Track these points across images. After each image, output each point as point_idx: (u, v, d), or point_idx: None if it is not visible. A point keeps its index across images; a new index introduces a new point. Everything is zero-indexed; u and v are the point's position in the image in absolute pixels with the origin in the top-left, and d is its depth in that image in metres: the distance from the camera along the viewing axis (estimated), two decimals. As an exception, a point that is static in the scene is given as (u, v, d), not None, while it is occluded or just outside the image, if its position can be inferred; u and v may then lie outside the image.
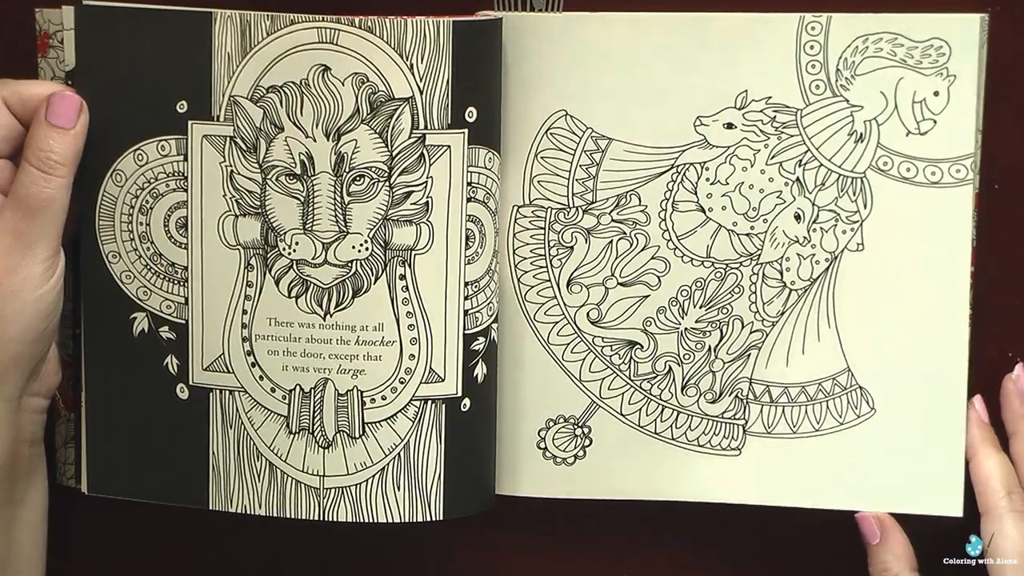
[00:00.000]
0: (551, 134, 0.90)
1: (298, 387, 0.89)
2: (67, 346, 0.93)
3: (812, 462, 0.91)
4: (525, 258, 0.91)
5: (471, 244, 0.88)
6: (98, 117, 0.88)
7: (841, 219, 0.89)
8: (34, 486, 0.91)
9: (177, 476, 0.91)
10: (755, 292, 0.90)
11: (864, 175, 0.89)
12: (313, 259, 0.87)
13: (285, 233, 0.87)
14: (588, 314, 0.91)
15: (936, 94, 0.87)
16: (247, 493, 0.90)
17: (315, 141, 0.86)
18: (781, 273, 0.90)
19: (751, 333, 0.91)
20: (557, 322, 0.92)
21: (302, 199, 0.87)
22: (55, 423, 0.95)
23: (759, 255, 0.90)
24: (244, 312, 0.89)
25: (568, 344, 0.92)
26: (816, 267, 0.90)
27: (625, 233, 0.90)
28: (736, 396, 0.91)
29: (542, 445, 0.93)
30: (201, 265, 0.89)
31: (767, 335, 0.91)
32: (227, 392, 0.90)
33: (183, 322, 0.90)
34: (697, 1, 0.89)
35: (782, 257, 0.90)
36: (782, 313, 0.90)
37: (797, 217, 0.89)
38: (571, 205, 0.91)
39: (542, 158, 0.91)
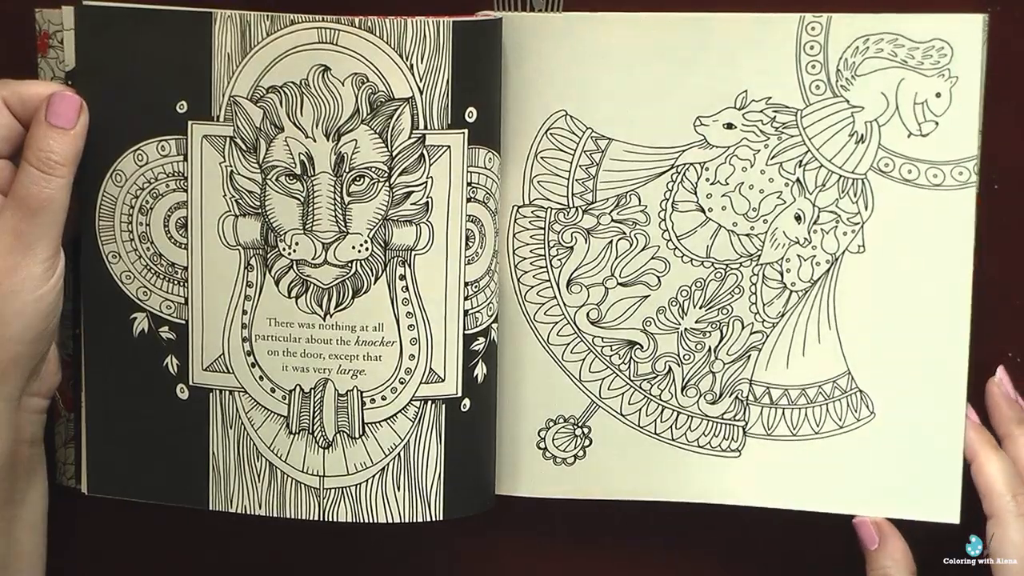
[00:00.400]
0: (551, 134, 0.90)
1: (298, 387, 0.89)
2: (67, 346, 0.92)
3: (811, 465, 0.90)
4: (525, 258, 0.91)
5: (471, 244, 0.88)
6: (98, 117, 0.88)
7: (842, 221, 0.89)
8: (34, 486, 0.91)
9: (177, 476, 0.91)
10: (755, 293, 0.90)
11: (865, 177, 0.88)
12: (313, 259, 0.87)
13: (285, 233, 0.87)
14: (588, 314, 0.91)
15: (938, 95, 0.87)
16: (247, 493, 0.90)
17: (315, 141, 0.86)
18: (781, 274, 0.90)
19: (751, 334, 0.90)
20: (557, 322, 0.92)
21: (302, 199, 0.87)
22: (55, 423, 0.95)
23: (759, 256, 0.90)
24: (244, 312, 0.89)
25: (568, 344, 0.92)
26: (817, 269, 0.89)
27: (625, 233, 0.90)
28: (736, 397, 0.91)
29: (542, 445, 0.93)
30: (201, 265, 0.89)
31: (767, 336, 0.90)
32: (227, 392, 0.90)
33: (183, 322, 0.90)
34: (697, 1, 0.89)
35: (782, 258, 0.90)
36: (782, 315, 0.90)
37: (797, 218, 0.89)
38: (571, 205, 0.91)
39: (542, 158, 0.91)
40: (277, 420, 0.89)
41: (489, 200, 0.89)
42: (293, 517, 0.90)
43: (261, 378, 0.89)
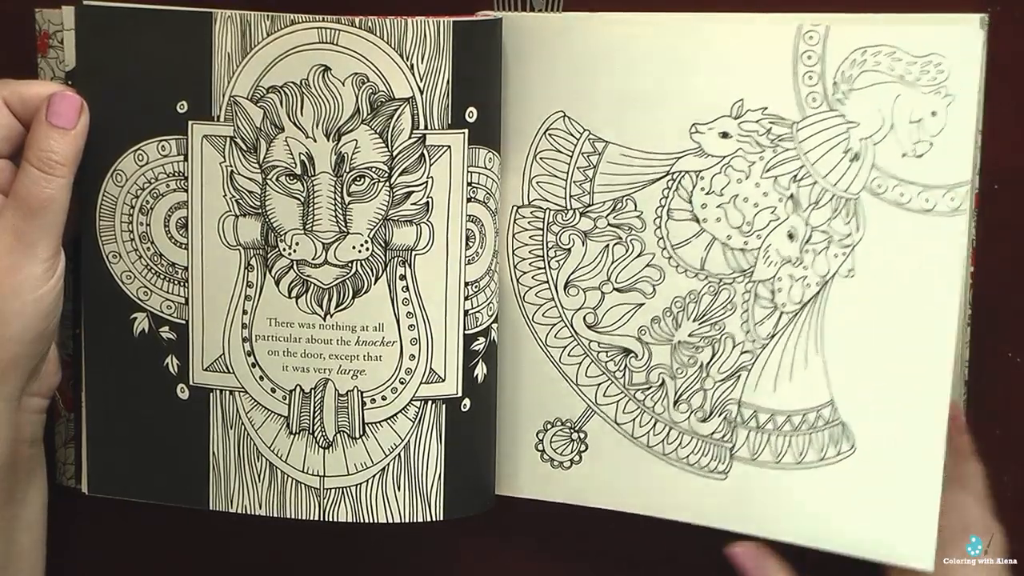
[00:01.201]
0: (549, 135, 0.90)
1: (298, 387, 0.89)
2: (67, 346, 0.93)
3: (792, 496, 0.87)
4: (524, 259, 0.91)
5: (471, 244, 0.88)
6: (98, 117, 0.88)
7: (833, 242, 0.86)
8: (34, 486, 0.91)
9: (177, 476, 0.91)
10: (747, 311, 0.88)
11: (858, 197, 0.85)
12: (313, 259, 0.87)
13: (285, 233, 0.88)
14: (584, 318, 0.91)
15: (933, 114, 0.83)
16: (247, 493, 0.90)
17: (315, 141, 0.86)
18: (773, 294, 0.87)
19: (742, 353, 0.88)
20: (555, 324, 0.91)
21: (302, 199, 0.87)
22: (55, 423, 0.95)
23: (752, 272, 0.87)
24: (244, 312, 0.89)
25: (565, 347, 0.91)
26: (807, 291, 0.86)
27: (621, 238, 0.89)
28: (725, 417, 0.89)
29: (540, 447, 0.92)
30: (201, 265, 0.89)
31: (757, 357, 0.88)
32: (227, 392, 0.90)
33: (183, 322, 0.90)
34: (700, 1, 0.89)
35: (774, 277, 0.87)
36: (772, 336, 0.87)
37: (790, 236, 0.86)
38: (568, 207, 0.90)
39: (541, 159, 0.90)
40: (277, 420, 0.89)
41: (489, 200, 0.89)
42: (293, 517, 0.90)
43: (261, 378, 0.89)
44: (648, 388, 0.90)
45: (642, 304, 0.89)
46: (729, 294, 0.88)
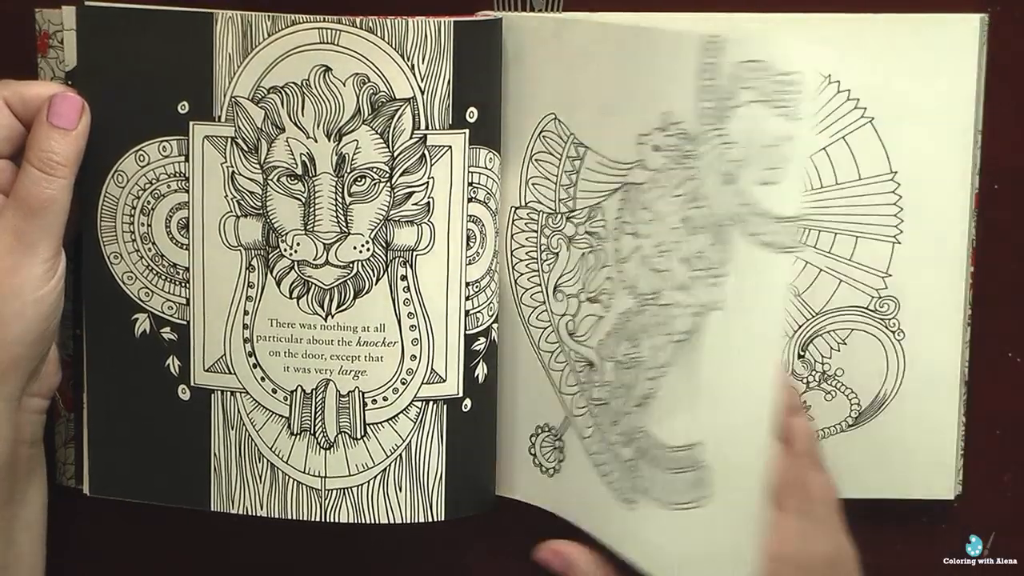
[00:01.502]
0: (543, 137, 0.90)
1: (299, 388, 0.88)
2: (68, 346, 0.92)
3: (663, 536, 0.82)
4: (522, 260, 0.91)
5: (472, 244, 0.88)
6: (99, 118, 0.88)
7: (709, 272, 0.79)
8: (34, 486, 0.91)
9: (178, 477, 0.91)
10: (653, 336, 0.83)
11: (727, 224, 0.78)
12: (314, 260, 0.87)
13: (286, 234, 0.87)
14: (567, 325, 0.90)
15: (785, 139, 0.76)
16: (248, 494, 0.90)
17: (316, 142, 0.86)
18: (670, 320, 0.81)
19: (647, 380, 0.83)
20: (545, 328, 0.91)
21: (303, 200, 0.87)
22: (55, 423, 0.95)
23: (660, 295, 0.82)
24: (246, 313, 0.89)
25: (553, 352, 0.91)
26: (690, 321, 0.80)
27: (592, 247, 0.88)
28: (637, 446, 0.84)
29: (532, 451, 0.92)
30: (202, 266, 0.89)
31: (657, 386, 0.82)
32: (228, 393, 0.90)
33: (184, 323, 0.90)
34: (699, 2, 0.89)
35: (671, 303, 0.81)
36: (667, 365, 0.82)
37: (684, 261, 0.81)
38: (557, 211, 0.89)
39: (536, 160, 0.90)
40: (279, 421, 0.89)
41: (490, 200, 0.89)
42: (294, 518, 0.90)
43: (263, 379, 0.89)
44: (600, 404, 0.87)
45: (602, 317, 0.87)
46: (646, 317, 0.84)
